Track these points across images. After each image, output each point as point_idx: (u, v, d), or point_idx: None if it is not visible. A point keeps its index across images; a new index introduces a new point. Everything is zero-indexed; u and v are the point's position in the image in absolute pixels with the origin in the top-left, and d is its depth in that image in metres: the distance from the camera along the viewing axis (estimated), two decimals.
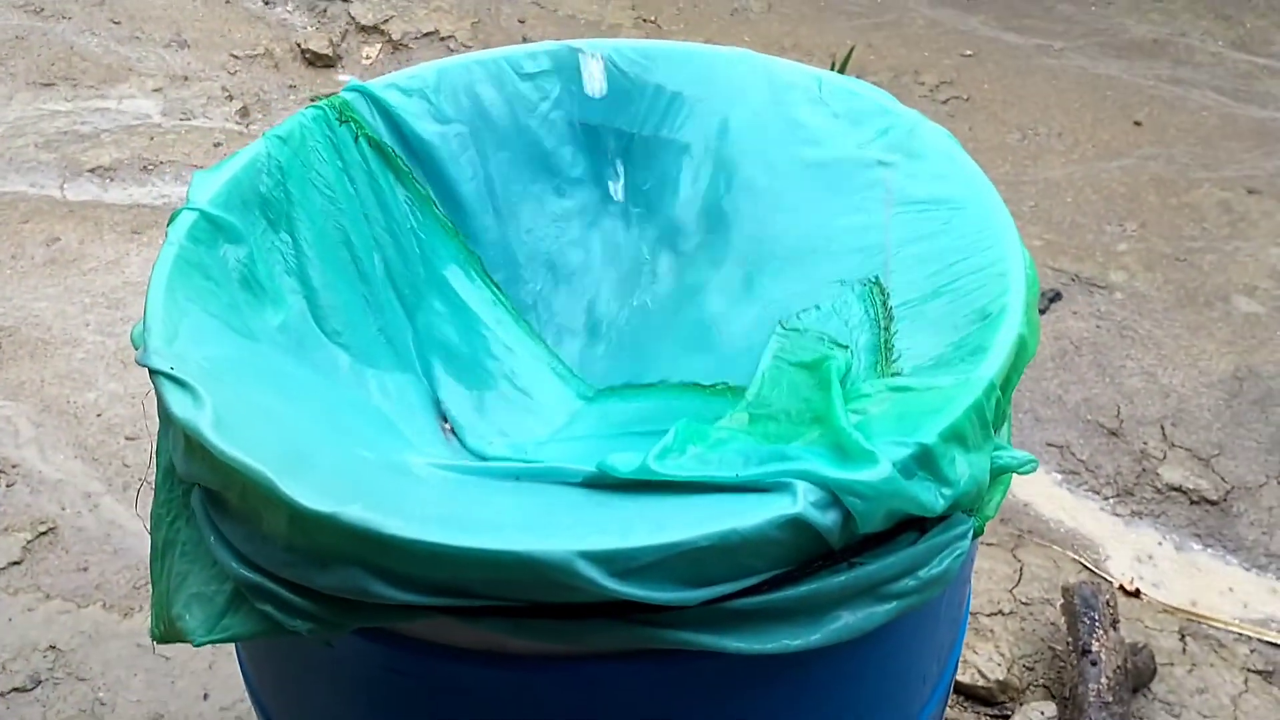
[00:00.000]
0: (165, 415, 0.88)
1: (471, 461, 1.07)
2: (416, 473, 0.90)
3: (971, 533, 0.85)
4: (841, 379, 0.90)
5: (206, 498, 0.87)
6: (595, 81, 1.24)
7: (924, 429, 0.81)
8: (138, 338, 0.97)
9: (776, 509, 0.77)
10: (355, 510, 0.77)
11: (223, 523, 0.85)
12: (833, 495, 0.78)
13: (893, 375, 0.93)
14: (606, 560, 0.74)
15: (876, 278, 1.04)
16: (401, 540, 0.76)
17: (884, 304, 1.01)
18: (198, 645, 0.87)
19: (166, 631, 0.90)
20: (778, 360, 1.01)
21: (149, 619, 1.92)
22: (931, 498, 0.80)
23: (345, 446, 0.91)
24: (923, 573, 0.82)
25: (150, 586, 0.95)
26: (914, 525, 0.83)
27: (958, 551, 0.84)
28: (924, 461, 0.80)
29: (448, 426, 1.15)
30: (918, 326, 0.97)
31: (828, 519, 0.78)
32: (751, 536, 0.76)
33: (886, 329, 0.99)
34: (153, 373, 0.90)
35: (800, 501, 0.77)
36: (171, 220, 1.03)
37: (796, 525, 0.77)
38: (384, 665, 0.87)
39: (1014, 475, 0.91)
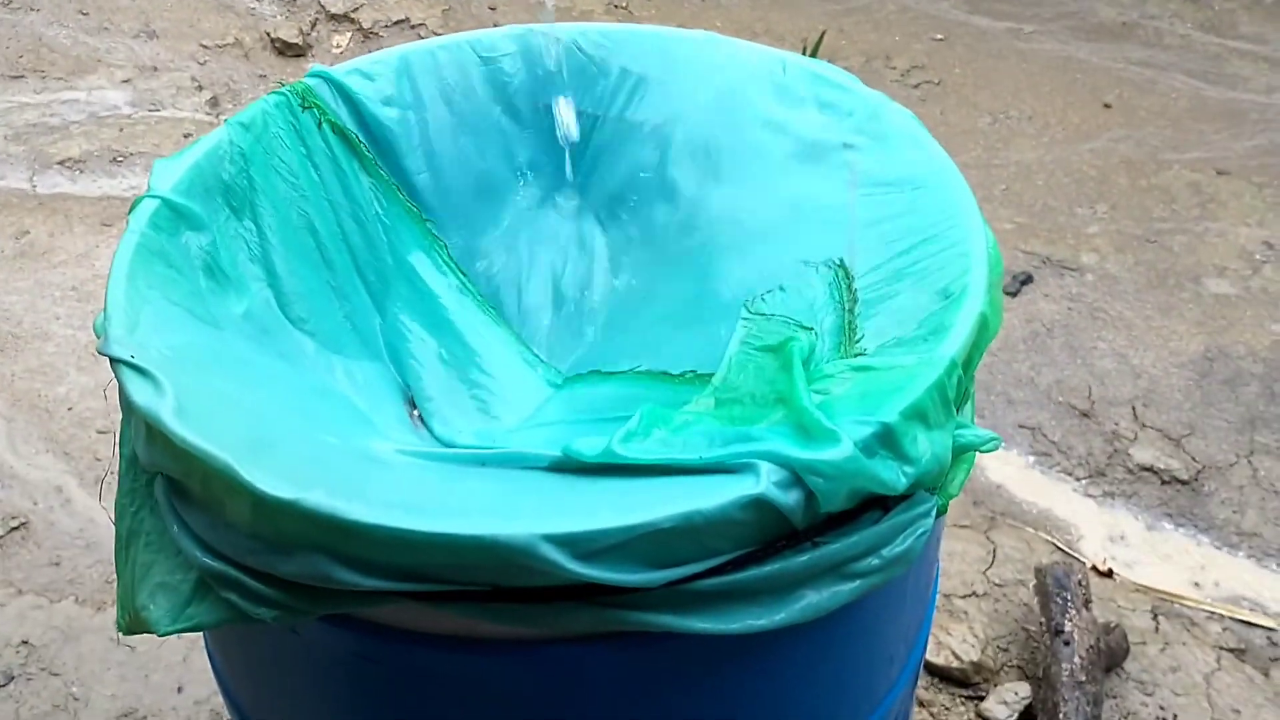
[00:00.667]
0: (126, 404, 0.88)
1: (438, 448, 1.07)
2: (382, 459, 0.90)
3: (935, 511, 0.86)
4: (805, 360, 0.90)
5: (169, 487, 0.87)
6: (565, 129, 1.24)
7: (886, 408, 0.81)
8: (99, 327, 0.97)
9: (739, 489, 0.77)
10: (318, 496, 0.77)
11: (186, 511, 0.85)
12: (795, 475, 0.78)
13: (856, 355, 0.93)
14: (570, 543, 0.74)
15: (841, 259, 1.04)
16: (364, 526, 0.76)
17: (848, 285, 1.01)
18: (162, 635, 0.87)
19: (132, 622, 0.90)
20: (745, 346, 1.01)
21: None
22: (894, 476, 0.80)
23: (309, 433, 0.91)
24: (886, 551, 0.83)
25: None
26: (877, 504, 0.83)
27: (921, 530, 0.84)
28: (886, 440, 0.81)
29: (416, 414, 1.15)
30: (881, 307, 0.97)
31: (790, 499, 0.78)
32: (715, 517, 0.76)
33: (850, 310, 0.99)
34: (113, 361, 0.89)
35: (763, 482, 0.77)
36: (133, 208, 1.02)
37: (759, 505, 0.77)
38: (350, 651, 0.87)
39: (986, 457, 0.92)
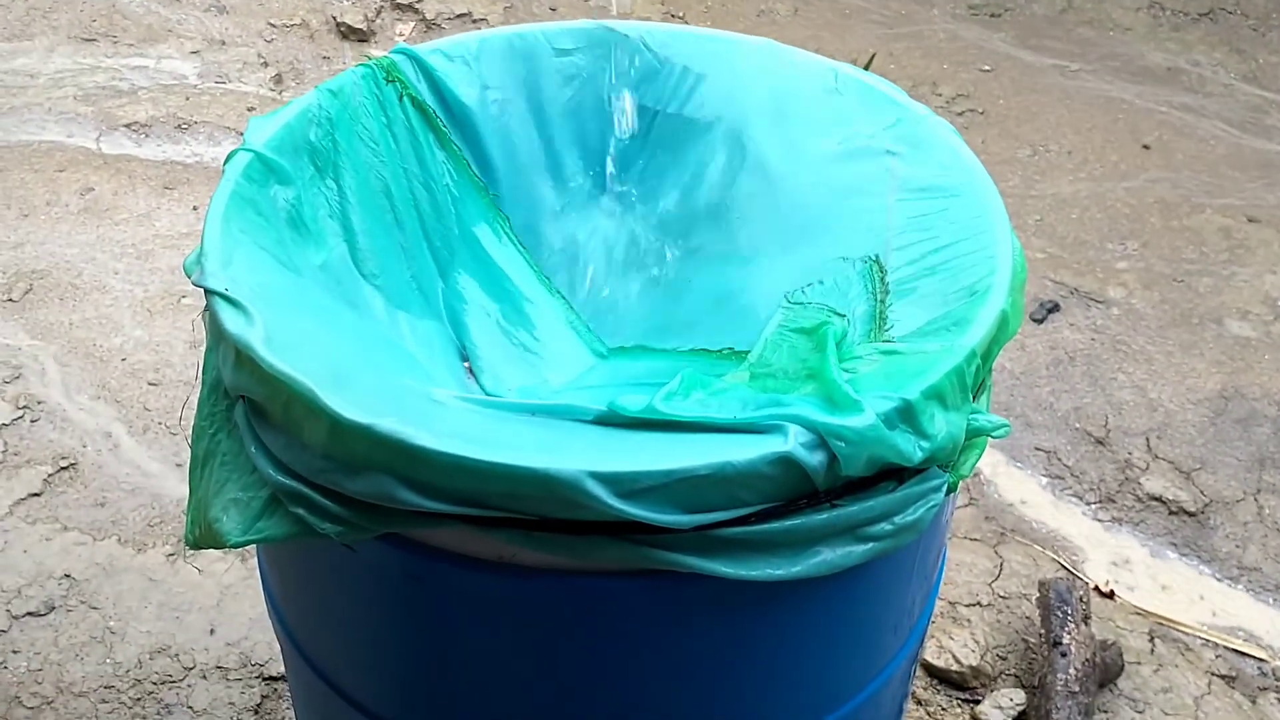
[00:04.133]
0: (218, 332, 0.96)
1: (492, 398, 1.15)
2: (442, 401, 0.98)
3: (946, 487, 0.93)
4: (838, 342, 0.98)
5: (250, 409, 0.95)
6: (627, 119, 1.33)
7: (908, 387, 0.89)
8: (190, 266, 1.05)
9: (769, 447, 0.85)
10: (389, 423, 0.85)
11: (264, 433, 0.93)
12: (820, 438, 0.85)
13: (884, 341, 1.01)
14: (613, 481, 0.82)
15: (877, 256, 1.12)
16: (429, 451, 0.84)
17: (881, 278, 1.09)
18: (232, 546, 0.95)
19: (203, 535, 0.97)
20: (780, 328, 1.09)
21: (162, 553, 2.00)
22: (910, 448, 0.88)
23: (379, 373, 0.99)
24: (898, 519, 0.90)
25: (183, 508, 1.02)
26: (893, 475, 0.90)
27: (932, 502, 0.92)
28: (906, 415, 0.88)
29: (467, 365, 1.23)
30: (911, 300, 1.05)
31: (815, 460, 0.85)
32: (744, 469, 0.84)
33: (882, 300, 1.07)
34: (208, 292, 0.97)
35: (791, 441, 0.85)
36: (229, 159, 1.11)
37: (786, 463, 0.85)
38: (402, 570, 0.95)
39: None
